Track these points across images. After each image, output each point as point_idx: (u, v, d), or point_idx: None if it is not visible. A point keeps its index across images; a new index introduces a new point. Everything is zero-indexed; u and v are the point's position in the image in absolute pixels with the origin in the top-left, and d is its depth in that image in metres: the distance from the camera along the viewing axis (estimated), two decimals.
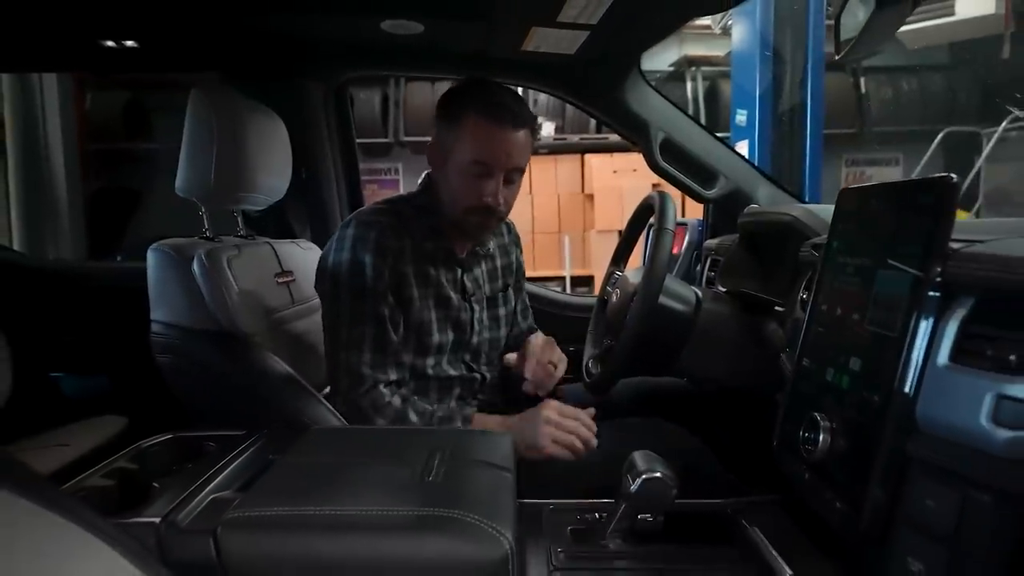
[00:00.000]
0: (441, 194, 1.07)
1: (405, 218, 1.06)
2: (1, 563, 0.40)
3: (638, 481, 0.72)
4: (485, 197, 1.01)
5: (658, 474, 0.72)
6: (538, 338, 1.18)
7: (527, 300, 1.34)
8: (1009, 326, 0.53)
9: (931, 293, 0.57)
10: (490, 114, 0.98)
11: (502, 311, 1.22)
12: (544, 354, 1.12)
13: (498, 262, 1.22)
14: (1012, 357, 0.51)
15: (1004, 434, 0.50)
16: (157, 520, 0.63)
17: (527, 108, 1.04)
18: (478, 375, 1.15)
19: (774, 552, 0.71)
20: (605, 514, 0.81)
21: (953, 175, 0.59)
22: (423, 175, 1.16)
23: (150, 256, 1.06)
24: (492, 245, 1.21)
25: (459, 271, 1.13)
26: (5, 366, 0.42)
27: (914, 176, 1.83)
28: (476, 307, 1.15)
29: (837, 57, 0.80)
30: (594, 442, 0.97)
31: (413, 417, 0.99)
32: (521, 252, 1.31)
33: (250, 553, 0.59)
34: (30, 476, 0.47)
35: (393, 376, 1.03)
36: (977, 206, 4.22)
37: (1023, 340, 0.51)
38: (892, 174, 5.21)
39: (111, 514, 0.65)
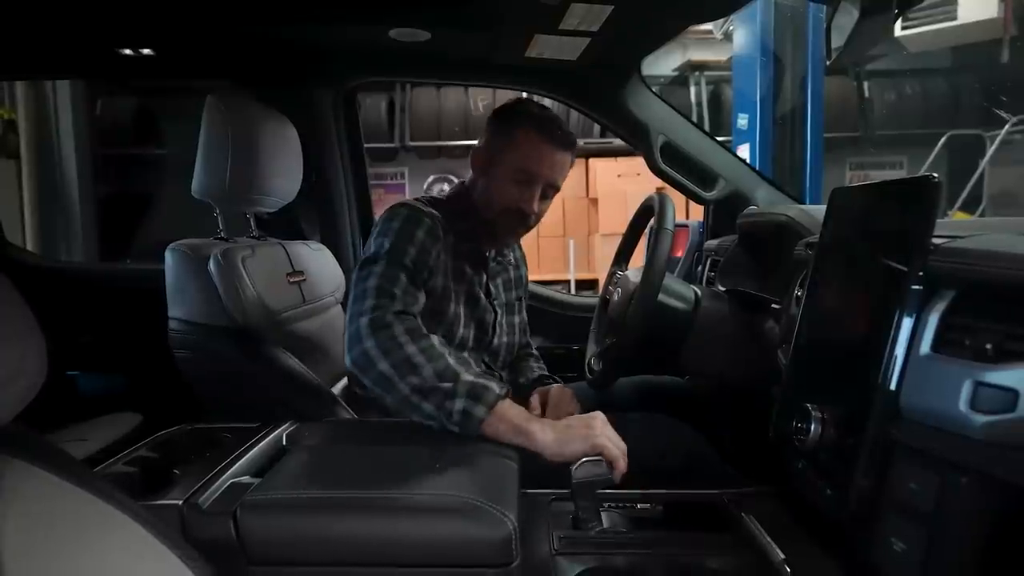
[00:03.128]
0: (477, 196, 1.12)
1: (445, 218, 1.09)
2: (40, 535, 0.43)
3: (575, 466, 0.76)
4: (523, 204, 1.07)
5: (596, 457, 0.77)
6: (557, 388, 1.19)
7: (526, 317, 1.37)
8: (987, 317, 0.56)
9: (914, 287, 0.60)
10: (543, 130, 1.07)
11: (516, 319, 1.27)
12: (561, 406, 1.14)
13: (512, 273, 1.28)
14: (988, 346, 0.54)
15: (981, 419, 0.52)
16: (180, 502, 0.66)
17: (573, 135, 1.11)
18: (495, 376, 1.19)
19: (768, 538, 0.74)
20: (606, 504, 0.84)
21: (935, 174, 0.62)
22: (429, 186, 1.20)
23: (168, 256, 1.10)
24: (511, 256, 1.27)
25: (485, 275, 1.17)
26: (41, 352, 0.45)
27: None
28: (498, 311, 1.19)
29: (828, 62, 0.83)
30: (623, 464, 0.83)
31: (447, 355, 0.87)
32: (526, 268, 1.36)
33: (268, 533, 0.63)
34: (67, 459, 0.50)
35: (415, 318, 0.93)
36: (981, 208, 4.23)
37: (999, 330, 0.54)
38: (896, 177, 5.21)
39: (136, 497, 0.68)
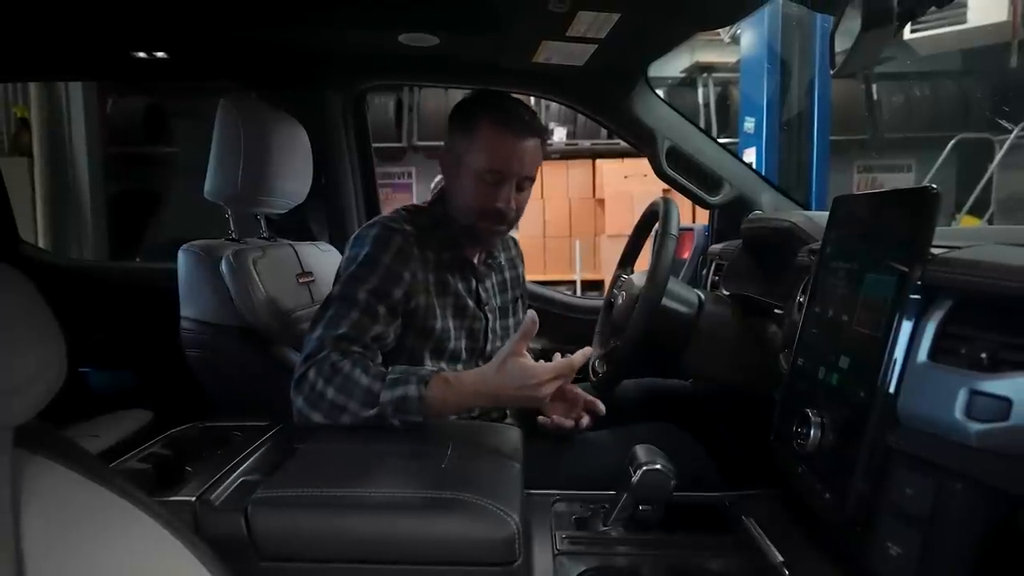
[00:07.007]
0: (454, 200, 1.09)
1: (424, 230, 1.07)
2: (60, 530, 0.45)
3: (639, 472, 0.76)
4: (498, 203, 1.03)
5: (658, 466, 0.76)
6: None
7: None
8: (983, 326, 0.57)
9: (913, 295, 0.61)
10: (503, 123, 1.02)
11: (512, 321, 1.24)
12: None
13: (507, 274, 1.25)
14: (984, 355, 0.55)
15: (976, 427, 0.53)
16: (192, 499, 0.68)
17: (538, 119, 1.07)
18: None
19: (767, 541, 0.75)
20: (607, 504, 0.85)
21: (934, 185, 0.63)
22: (436, 186, 1.19)
23: (181, 256, 1.12)
24: (502, 258, 1.24)
25: (474, 281, 1.14)
26: (61, 355, 0.47)
27: (925, 182, 1.87)
28: (490, 317, 1.16)
29: (832, 71, 0.84)
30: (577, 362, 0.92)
31: (363, 379, 0.88)
32: (523, 266, 1.33)
33: (278, 529, 0.65)
34: (85, 456, 0.52)
35: (356, 349, 0.94)
36: (989, 213, 4.21)
37: (995, 339, 0.55)
38: (904, 180, 5.20)
39: (150, 493, 0.70)
